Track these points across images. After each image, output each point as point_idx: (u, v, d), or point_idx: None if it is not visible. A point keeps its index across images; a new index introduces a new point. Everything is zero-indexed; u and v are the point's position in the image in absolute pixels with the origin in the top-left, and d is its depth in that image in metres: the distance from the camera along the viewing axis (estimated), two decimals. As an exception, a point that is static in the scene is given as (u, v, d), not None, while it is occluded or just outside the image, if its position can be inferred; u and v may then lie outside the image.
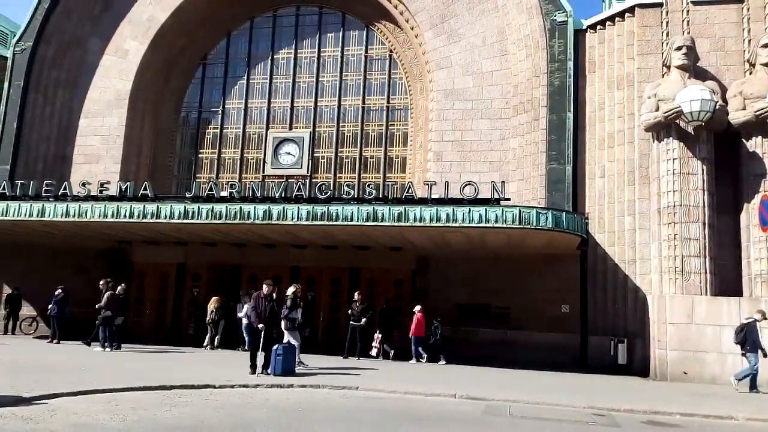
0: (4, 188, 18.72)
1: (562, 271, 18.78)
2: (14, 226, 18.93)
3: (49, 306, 19.03)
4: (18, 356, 14.34)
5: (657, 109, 16.80)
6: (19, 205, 17.96)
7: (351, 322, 17.85)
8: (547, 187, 18.91)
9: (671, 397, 12.04)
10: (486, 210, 15.33)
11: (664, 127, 16.76)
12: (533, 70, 19.95)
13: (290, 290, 13.81)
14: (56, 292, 18.91)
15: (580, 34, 19.63)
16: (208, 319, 19.16)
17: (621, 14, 18.84)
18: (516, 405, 10.44)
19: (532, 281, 18.84)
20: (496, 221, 15.24)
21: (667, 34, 17.94)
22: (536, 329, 18.60)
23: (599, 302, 18.33)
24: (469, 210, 15.38)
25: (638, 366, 16.92)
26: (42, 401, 8.40)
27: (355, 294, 18.39)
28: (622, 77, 18.57)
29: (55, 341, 18.44)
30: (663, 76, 17.70)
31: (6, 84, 23.46)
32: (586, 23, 19.73)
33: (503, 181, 17.71)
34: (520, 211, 15.31)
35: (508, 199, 16.91)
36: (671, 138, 16.67)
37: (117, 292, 17.83)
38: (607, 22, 19.24)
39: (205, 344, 19.05)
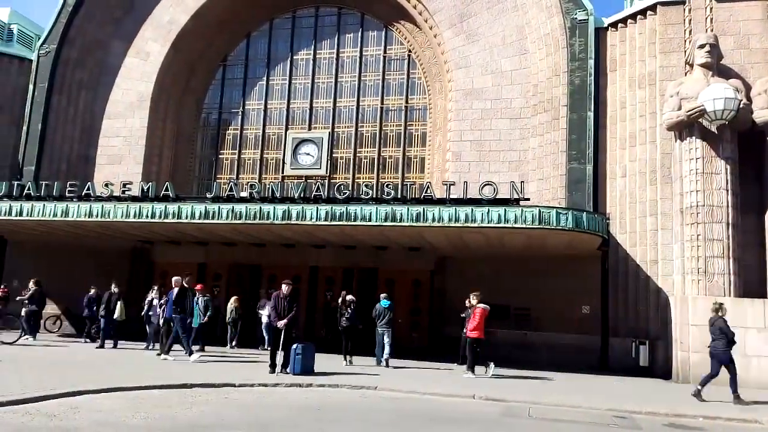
0: (29, 188, 19.04)
1: (583, 272, 18.61)
2: (39, 225, 19.26)
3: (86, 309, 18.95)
4: (44, 354, 14.59)
5: (679, 108, 16.56)
6: (44, 205, 18.27)
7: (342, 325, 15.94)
8: (568, 187, 18.75)
9: (693, 400, 11.86)
10: (505, 210, 15.23)
11: (687, 126, 16.51)
12: (553, 69, 19.80)
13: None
14: (90, 293, 18.88)
15: (600, 32, 19.43)
16: (228, 318, 19.29)
17: (643, 12, 18.61)
18: (535, 407, 10.37)
19: (553, 282, 18.68)
20: (516, 221, 15.14)
21: (690, 32, 17.67)
22: (556, 330, 18.46)
23: (620, 303, 18.12)
24: (488, 210, 15.29)
25: (660, 368, 16.71)
26: (65, 398, 8.53)
27: (346, 294, 16.52)
28: (644, 76, 18.35)
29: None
30: (686, 74, 17.44)
31: (31, 86, 23.87)
32: (607, 21, 19.52)
33: (523, 181, 17.59)
34: (539, 211, 15.19)
35: (528, 199, 16.79)
36: (694, 137, 16.43)
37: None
38: (629, 20, 19.02)
39: (233, 344, 18.99)
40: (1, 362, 12.16)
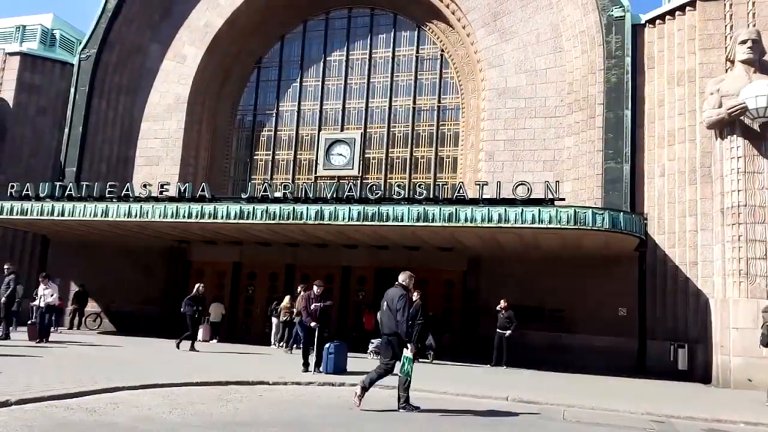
0: (70, 189, 19.58)
1: (620, 273, 18.29)
2: (80, 225, 19.80)
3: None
4: (87, 351, 14.98)
5: (720, 106, 16.13)
6: (84, 205, 18.78)
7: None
8: (604, 186, 18.45)
9: (734, 406, 11.55)
10: (539, 210, 15.06)
11: (728, 124, 16.08)
12: (589, 67, 19.50)
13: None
14: (198, 288, 17.49)
15: (638, 29, 19.07)
16: (282, 318, 19.10)
17: (681, 8, 18.18)
18: (570, 410, 10.22)
19: (588, 283, 18.40)
20: (550, 222, 14.95)
21: (731, 28, 17.19)
22: (592, 332, 18.17)
23: (658, 305, 17.75)
24: (522, 210, 15.14)
25: (699, 372, 16.32)
26: (105, 394, 8.74)
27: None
28: (683, 73, 17.93)
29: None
30: (726, 71, 16.99)
31: (72, 89, 24.55)
32: (644, 18, 19.15)
33: (557, 181, 17.39)
34: (575, 211, 14.97)
35: (563, 199, 16.58)
36: (735, 135, 15.98)
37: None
38: (667, 17, 18.61)
39: (286, 346, 18.61)
40: (42, 358, 12.53)
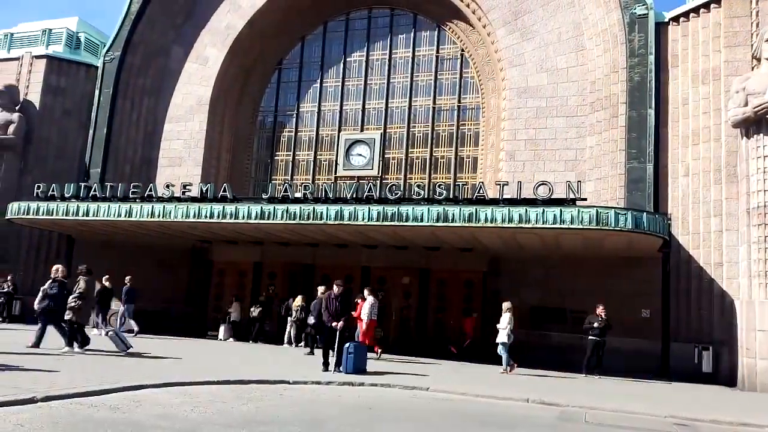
0: (95, 190, 19.89)
1: (643, 274, 18.05)
2: (105, 225, 20.09)
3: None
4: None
5: (746, 104, 15.84)
6: (109, 206, 19.07)
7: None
8: (627, 186, 18.23)
9: (761, 409, 11.34)
10: (561, 210, 14.93)
11: (754, 123, 15.78)
12: (611, 66, 19.29)
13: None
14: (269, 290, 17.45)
15: (661, 26, 18.82)
16: (294, 317, 19.35)
17: (706, 5, 17.89)
18: (592, 412, 10.12)
19: (610, 284, 18.18)
20: (572, 222, 14.81)
21: (757, 25, 16.87)
22: (614, 334, 17.91)
23: (682, 307, 17.48)
24: (543, 210, 15.02)
25: (724, 375, 16.04)
26: (128, 392, 8.86)
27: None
28: (708, 71, 17.65)
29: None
30: (752, 69, 16.67)
31: (97, 92, 24.92)
32: (668, 15, 18.88)
33: (579, 181, 17.22)
34: (597, 211, 14.81)
35: (585, 199, 16.42)
36: (761, 134, 15.67)
37: None
38: (691, 14, 18.33)
39: (304, 346, 18.78)
40: (71, 356, 12.74)
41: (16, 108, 24.05)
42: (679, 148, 18.06)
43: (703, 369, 16.42)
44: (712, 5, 17.72)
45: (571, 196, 15.57)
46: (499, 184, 16.63)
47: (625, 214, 14.80)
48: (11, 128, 23.53)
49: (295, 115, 25.30)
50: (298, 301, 19.39)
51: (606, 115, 19.22)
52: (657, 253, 17.43)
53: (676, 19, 18.69)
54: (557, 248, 17.93)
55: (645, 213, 15.48)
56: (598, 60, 19.71)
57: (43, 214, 19.97)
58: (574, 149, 19.76)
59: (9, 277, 22.00)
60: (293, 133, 25.18)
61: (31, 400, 7.47)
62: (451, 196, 16.67)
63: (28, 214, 20.22)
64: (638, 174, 18.16)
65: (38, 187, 20.43)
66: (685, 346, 17.04)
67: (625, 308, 17.99)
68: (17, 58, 25.20)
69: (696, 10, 18.19)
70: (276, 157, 25.36)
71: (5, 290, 21.65)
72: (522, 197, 15.94)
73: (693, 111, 17.88)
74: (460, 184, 21.60)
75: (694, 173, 17.62)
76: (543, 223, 14.96)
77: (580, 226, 14.78)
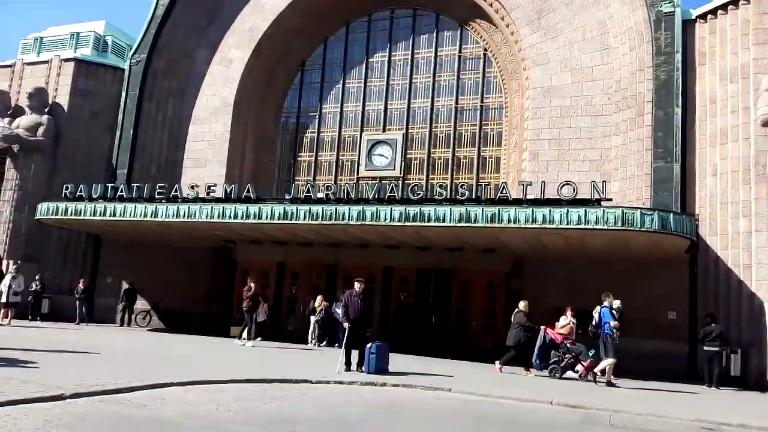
0: (122, 191, 20.23)
1: (669, 276, 17.78)
2: (131, 225, 20.40)
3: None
4: (138, 348, 15.43)
5: (776, 102, 15.53)
6: (135, 206, 19.36)
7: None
8: (653, 186, 17.98)
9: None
10: (585, 211, 14.78)
11: (785, 122, 15.46)
12: (637, 64, 19.04)
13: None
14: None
15: (688, 24, 18.52)
16: (317, 317, 19.61)
17: (735, 2, 17.56)
18: (617, 415, 9.98)
19: (636, 285, 17.91)
20: (597, 223, 14.65)
21: (789, 21, 16.53)
22: (640, 336, 17.64)
23: (710, 309, 17.15)
24: (568, 211, 14.88)
25: (753, 378, 15.71)
26: (154, 389, 8.98)
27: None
28: (736, 69, 17.32)
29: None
30: (783, 66, 16.34)
31: (123, 94, 25.34)
32: (695, 13, 18.58)
33: (604, 181, 17.02)
34: (623, 212, 14.63)
35: (610, 200, 16.22)
36: (793, 133, 15.35)
37: None
38: (719, 11, 18.01)
39: (322, 343, 19.42)
40: (99, 354, 12.96)
41: (46, 110, 24.57)
42: (707, 148, 17.75)
43: (731, 372, 16.10)
44: (741, 2, 17.40)
45: (596, 196, 15.40)
46: (523, 185, 16.50)
47: (651, 214, 14.59)
48: (41, 130, 24.04)
49: (317, 116, 25.42)
50: (319, 301, 19.66)
51: (632, 114, 18.97)
52: (684, 254, 17.16)
53: (703, 16, 18.38)
54: (582, 249, 17.74)
55: (672, 213, 15.24)
56: (624, 58, 19.46)
57: (71, 215, 20.36)
58: (599, 149, 19.54)
59: (37, 277, 22.47)
60: (316, 134, 25.30)
61: (60, 397, 7.61)
62: (473, 197, 16.62)
63: (56, 214, 20.63)
64: (665, 174, 17.89)
65: (66, 188, 20.84)
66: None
67: (650, 310, 17.72)
68: (46, 62, 25.72)
69: (724, 6, 17.87)
70: (299, 158, 25.50)
71: (33, 289, 22.10)
72: (546, 197, 15.81)
73: (721, 110, 17.57)
74: (483, 184, 21.49)
75: (722, 173, 17.31)
76: (567, 224, 14.82)
77: (606, 227, 14.62)
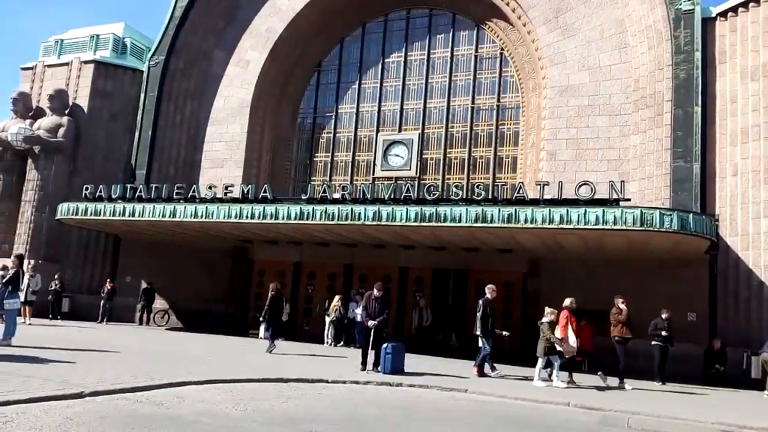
0: (140, 191, 20.43)
1: (689, 277, 17.56)
2: (150, 225, 20.60)
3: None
4: (155, 347, 15.58)
5: (799, 101, 15.28)
6: (153, 206, 19.54)
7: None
8: (672, 186, 17.78)
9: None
10: (603, 211, 14.63)
11: (808, 120, 15.21)
12: (656, 63, 18.84)
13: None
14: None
15: (708, 22, 18.29)
16: (332, 317, 19.76)
17: (756, -1, 17.33)
18: (635, 417, 9.89)
19: (655, 286, 17.74)
20: (615, 223, 14.50)
21: (812, 18, 16.26)
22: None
23: (730, 311, 16.94)
24: (585, 211, 14.74)
25: (776, 381, 15.43)
26: (171, 388, 9.06)
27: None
28: (758, 67, 17.07)
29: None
30: (806, 63, 16.07)
31: (142, 95, 25.60)
32: (715, 11, 18.35)
33: (623, 181, 16.84)
34: (641, 212, 14.47)
35: (629, 200, 16.05)
36: (816, 132, 15.10)
37: None
38: (740, 9, 17.76)
39: (339, 343, 19.63)
40: (119, 353, 13.11)
41: (66, 111, 24.91)
42: (727, 147, 17.52)
43: (752, 375, 15.85)
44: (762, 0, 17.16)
45: (615, 196, 15.25)
46: (540, 185, 16.39)
47: (670, 214, 14.41)
48: (61, 131, 24.37)
49: (333, 117, 25.48)
50: (336, 301, 19.76)
51: (650, 114, 18.77)
52: (704, 254, 16.94)
53: (723, 14, 18.15)
54: (600, 249, 17.59)
55: (691, 214, 15.04)
56: (642, 57, 19.27)
57: (90, 215, 20.60)
58: (617, 148, 19.36)
59: (57, 276, 22.77)
60: (332, 134, 25.37)
61: (80, 395, 7.71)
62: (489, 197, 16.54)
63: (76, 214, 20.89)
64: (684, 173, 17.69)
65: (86, 189, 21.09)
66: (732, 351, 16.50)
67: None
68: (66, 64, 26.06)
69: (745, 4, 17.63)
70: (315, 158, 25.58)
71: (53, 288, 22.40)
72: (563, 198, 15.69)
73: (742, 108, 17.32)
74: (499, 184, 21.41)
75: (742, 173, 17.06)
76: (585, 224, 14.69)
77: (624, 227, 14.47)
